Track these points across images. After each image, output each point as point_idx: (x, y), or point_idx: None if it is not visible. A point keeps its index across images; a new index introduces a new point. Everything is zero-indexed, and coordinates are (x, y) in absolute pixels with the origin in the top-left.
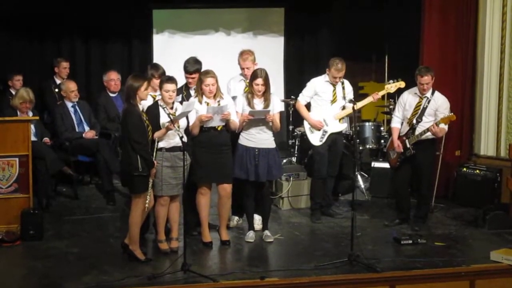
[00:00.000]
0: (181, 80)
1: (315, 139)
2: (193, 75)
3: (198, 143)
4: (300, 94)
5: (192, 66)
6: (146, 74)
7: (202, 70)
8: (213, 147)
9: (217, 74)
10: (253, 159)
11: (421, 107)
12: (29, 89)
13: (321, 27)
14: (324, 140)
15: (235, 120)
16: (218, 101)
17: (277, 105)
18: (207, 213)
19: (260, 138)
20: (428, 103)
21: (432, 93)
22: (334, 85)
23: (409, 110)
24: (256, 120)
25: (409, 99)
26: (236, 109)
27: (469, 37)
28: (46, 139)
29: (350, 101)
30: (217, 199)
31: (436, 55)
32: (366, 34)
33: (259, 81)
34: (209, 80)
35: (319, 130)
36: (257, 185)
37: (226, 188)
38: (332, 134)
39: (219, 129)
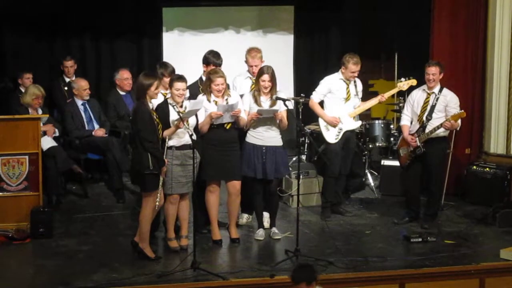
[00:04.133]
0: (191, 78)
1: (331, 136)
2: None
3: (206, 141)
4: (314, 92)
5: (218, 59)
6: (156, 73)
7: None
8: (221, 144)
9: (227, 72)
10: (261, 157)
11: (430, 103)
12: (38, 85)
13: (330, 25)
14: (339, 137)
15: (244, 117)
16: (226, 99)
17: (288, 103)
18: (216, 211)
19: (267, 136)
20: (437, 100)
21: (440, 90)
22: (347, 83)
23: (417, 107)
24: (264, 118)
25: (417, 96)
26: (243, 107)
27: (479, 35)
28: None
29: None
30: (227, 197)
31: (445, 53)
32: (376, 32)
33: (266, 77)
34: (219, 80)
35: (335, 127)
36: (265, 182)
37: (236, 185)
38: (346, 132)
39: (227, 127)
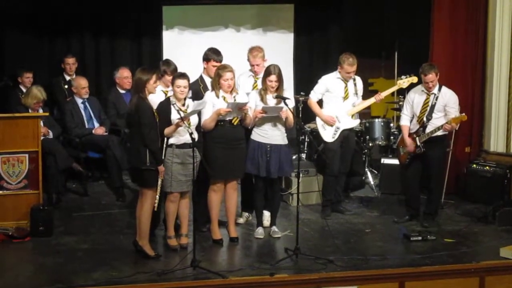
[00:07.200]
0: (191, 76)
1: (328, 135)
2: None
3: (212, 139)
4: (312, 91)
5: (219, 56)
6: (159, 70)
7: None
8: (228, 142)
9: None
10: (265, 155)
11: (429, 104)
12: (40, 87)
13: (330, 24)
14: (336, 136)
15: (251, 115)
16: (234, 97)
17: (290, 101)
18: (218, 210)
19: (272, 134)
20: (436, 99)
21: (439, 89)
22: (345, 82)
23: (417, 108)
24: (270, 116)
25: (416, 97)
26: (249, 104)
27: (479, 33)
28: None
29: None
30: (224, 191)
31: (445, 51)
32: (376, 31)
33: (273, 77)
34: (228, 75)
35: (332, 126)
36: (268, 181)
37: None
38: (344, 130)
39: (235, 123)
